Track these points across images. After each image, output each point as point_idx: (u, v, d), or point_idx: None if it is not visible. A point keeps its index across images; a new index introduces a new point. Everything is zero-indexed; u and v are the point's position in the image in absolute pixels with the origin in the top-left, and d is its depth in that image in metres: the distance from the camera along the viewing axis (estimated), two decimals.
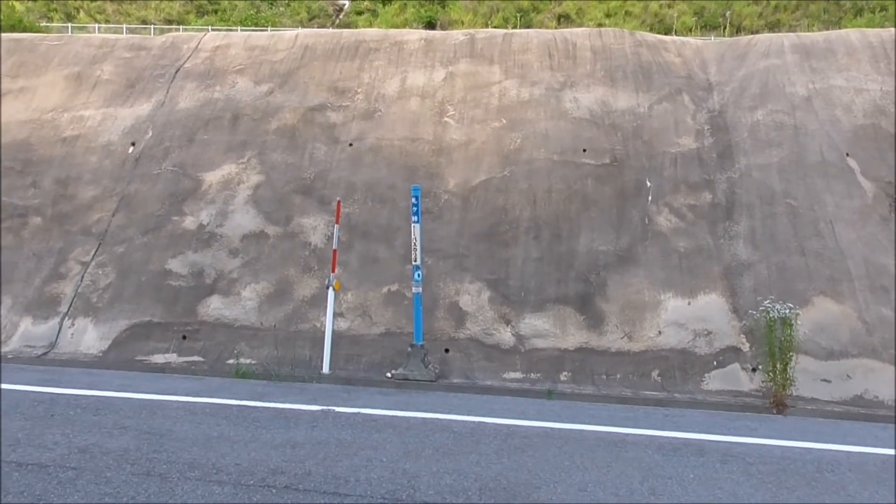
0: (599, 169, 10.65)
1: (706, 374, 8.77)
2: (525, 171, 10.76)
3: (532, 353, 9.17)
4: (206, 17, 27.98)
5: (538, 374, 8.94)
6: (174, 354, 9.49)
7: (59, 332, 9.85)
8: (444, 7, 26.35)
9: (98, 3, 29.39)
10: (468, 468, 4.79)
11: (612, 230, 10.06)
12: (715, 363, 8.84)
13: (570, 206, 10.37)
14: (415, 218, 8.94)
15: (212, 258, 10.39)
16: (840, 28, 12.46)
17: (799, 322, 8.50)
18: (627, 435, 6.06)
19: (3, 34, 14.41)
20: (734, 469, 5.07)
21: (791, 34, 12.68)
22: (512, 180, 10.70)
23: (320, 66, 12.65)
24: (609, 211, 10.24)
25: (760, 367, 8.61)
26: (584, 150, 10.87)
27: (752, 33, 13.34)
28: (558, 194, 10.48)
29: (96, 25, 26.08)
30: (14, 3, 25.15)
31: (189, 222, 10.77)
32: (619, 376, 8.85)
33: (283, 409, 6.61)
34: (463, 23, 23.93)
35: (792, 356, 8.24)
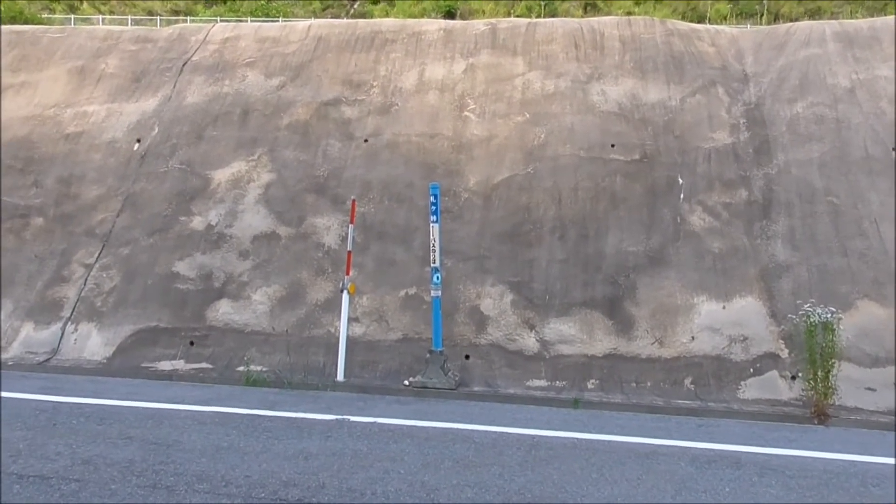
0: (629, 165, 10.62)
1: (742, 382, 8.71)
2: (550, 168, 10.74)
3: (557, 359, 9.16)
4: (214, 7, 28.16)
5: (564, 382, 8.93)
6: (182, 361, 9.56)
7: (61, 337, 9.95)
8: None
9: None
10: (490, 481, 4.79)
11: (642, 230, 10.02)
12: (752, 370, 8.78)
13: (598, 204, 10.35)
14: (433, 217, 8.95)
15: (221, 260, 10.46)
16: (885, 14, 12.34)
17: (841, 327, 8.41)
18: (659, 446, 6.04)
19: (3, 26, 14.59)
20: (772, 483, 5.03)
21: (833, 21, 12.58)
22: (536, 177, 10.69)
23: (334, 59, 12.70)
24: (639, 210, 10.21)
25: (800, 374, 8.54)
26: (613, 146, 10.84)
27: (792, 21, 13.25)
28: (585, 192, 10.46)
29: (100, 17, 26.33)
30: None
31: (197, 223, 10.85)
32: (649, 384, 8.81)
33: (295, 418, 6.64)
34: (484, 12, 23.93)
35: (834, 363, 8.16)
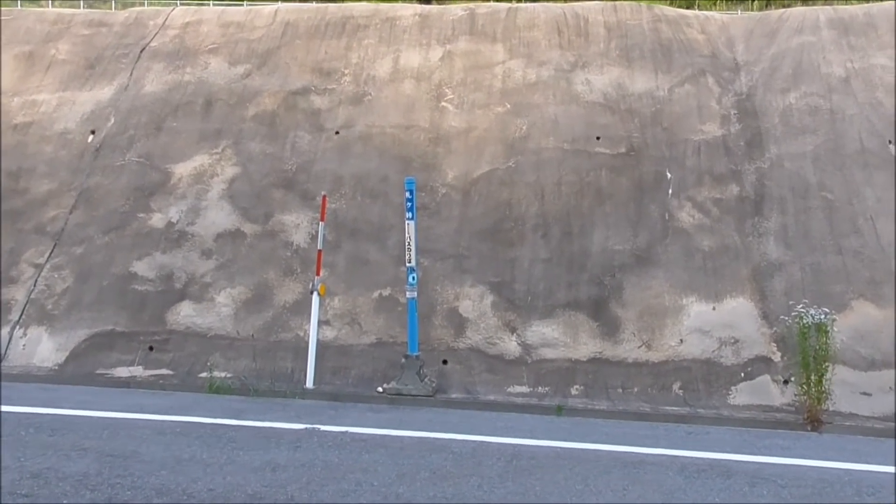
0: (615, 159, 10.68)
1: (733, 387, 8.79)
2: (532, 162, 10.78)
3: (540, 364, 9.20)
4: None
5: (547, 388, 8.96)
6: (140, 367, 9.50)
7: (9, 342, 9.85)
8: None
9: None
10: (469, 492, 4.80)
11: (628, 227, 10.08)
12: (742, 375, 8.87)
13: (583, 200, 10.40)
14: (409, 214, 8.96)
15: (182, 260, 10.40)
16: (882, 0, 12.49)
17: (836, 329, 8.52)
18: (646, 455, 6.08)
19: None
20: (764, 493, 5.08)
21: (827, 7, 12.70)
22: (517, 172, 10.72)
23: (303, 45, 12.66)
24: (625, 206, 10.27)
25: (793, 378, 8.63)
26: (598, 138, 10.89)
27: (784, 6, 13.36)
28: (569, 187, 10.51)
29: None
30: None
31: (156, 220, 10.78)
32: (636, 390, 8.87)
33: (262, 427, 6.62)
34: None
35: (828, 367, 8.25)
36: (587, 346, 9.30)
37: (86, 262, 10.49)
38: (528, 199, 10.48)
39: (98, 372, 9.41)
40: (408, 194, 9.00)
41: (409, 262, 8.92)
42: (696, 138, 10.80)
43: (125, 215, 10.88)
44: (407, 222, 8.97)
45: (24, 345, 9.80)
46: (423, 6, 13.75)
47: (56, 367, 9.52)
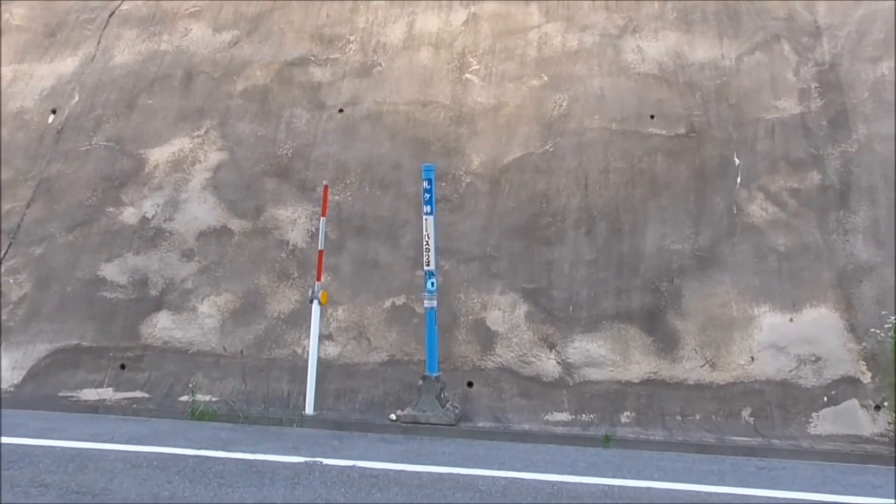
0: (672, 141, 10.67)
1: (814, 414, 8.76)
2: (573, 145, 10.79)
3: (583, 386, 9.21)
4: None
5: (591, 415, 8.98)
6: (110, 389, 9.59)
7: None
8: None
9: None
10: None
11: (689, 223, 10.06)
12: (825, 399, 8.84)
13: (634, 190, 10.40)
14: (427, 208, 8.99)
15: (159, 262, 10.50)
16: None
17: None
18: (710, 494, 6.08)
19: None
20: None
21: None
22: (556, 157, 10.74)
23: (300, 8, 12.72)
24: (685, 197, 10.25)
25: (886, 403, 8.59)
26: (652, 117, 10.88)
27: None
28: (618, 175, 10.51)
29: None
30: None
31: (129, 215, 10.88)
32: (698, 417, 8.86)
33: (254, 461, 6.67)
34: None
35: None
36: (640, 365, 9.30)
37: (46, 265, 10.60)
38: (568, 190, 10.50)
39: (61, 394, 9.51)
40: (425, 184, 9.03)
41: (428, 265, 8.95)
42: (768, 117, 10.76)
43: (92, 209, 10.99)
44: (424, 217, 9.00)
45: None
46: None
47: (11, 389, 9.63)
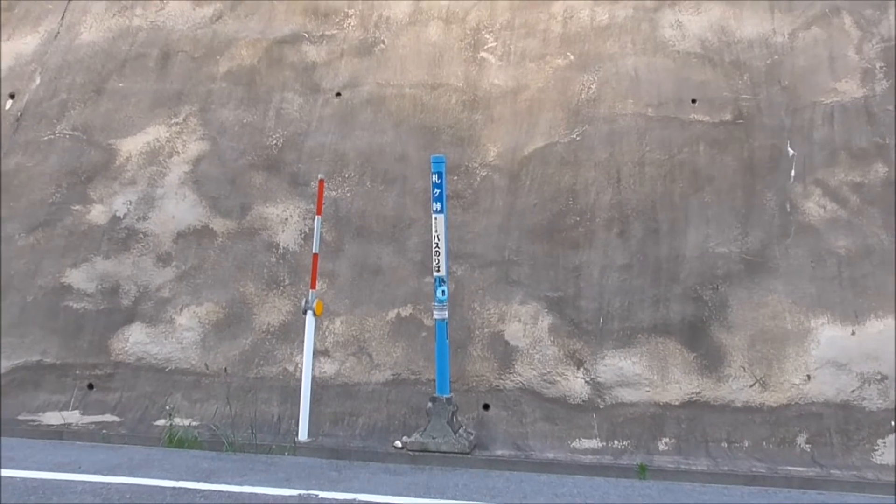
0: (716, 129, 10.66)
1: (880, 441, 8.76)
2: (604, 134, 10.80)
3: (616, 409, 9.22)
4: None
5: (625, 442, 8.99)
6: (76, 412, 9.63)
7: None
8: None
9: None
10: None
11: (736, 222, 10.06)
12: (893, 423, 8.83)
13: (673, 185, 10.40)
14: (437, 206, 9.02)
15: (132, 268, 10.54)
16: None
17: None
18: None
19: None
20: None
21: None
22: (584, 147, 10.75)
23: None
24: (731, 193, 10.25)
25: None
26: (694, 102, 10.88)
27: None
28: (654, 168, 10.52)
29: None
30: None
31: (97, 214, 10.93)
32: (747, 444, 8.86)
33: (240, 493, 6.70)
34: None
35: None
36: (680, 384, 9.31)
37: (3, 271, 10.64)
38: (598, 185, 10.51)
39: (20, 418, 9.55)
40: (435, 178, 9.07)
41: (438, 271, 8.98)
42: (827, 101, 10.76)
43: (55, 208, 11.05)
44: (434, 216, 9.03)
45: None
46: None
47: None
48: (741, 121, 10.70)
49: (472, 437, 8.85)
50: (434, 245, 9.01)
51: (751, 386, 9.21)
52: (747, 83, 10.96)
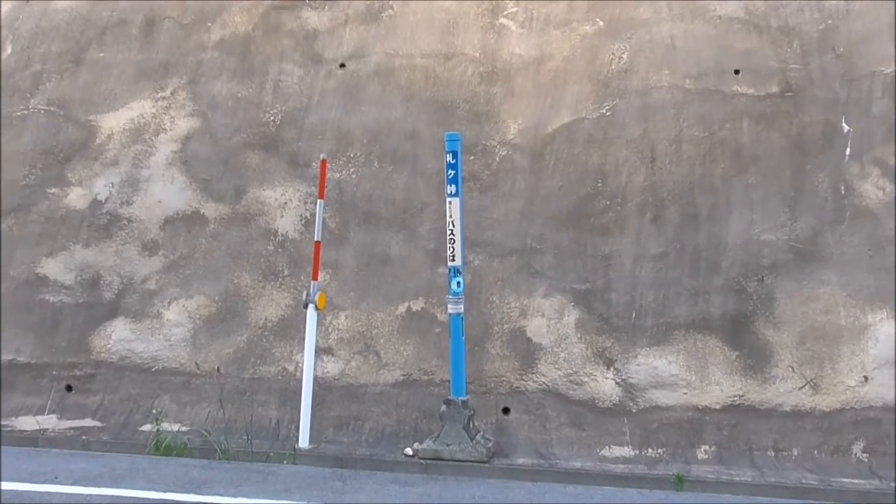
0: (762, 103, 10.61)
1: None
2: (637, 109, 10.75)
3: (650, 413, 9.20)
4: None
5: (660, 450, 8.96)
6: (53, 416, 9.65)
7: None
8: None
9: None
10: None
11: (783, 207, 10.01)
12: None
13: (714, 166, 10.35)
14: (451, 188, 9.00)
15: (114, 257, 10.55)
16: None
17: None
18: None
19: None
20: None
21: None
22: (614, 124, 10.71)
23: None
24: (779, 174, 10.20)
25: None
26: (737, 72, 10.83)
27: None
28: (693, 147, 10.47)
29: None
30: None
31: (76, 198, 10.94)
32: (796, 452, 8.83)
33: None
34: None
35: None
36: (721, 386, 9.28)
37: None
38: (630, 165, 10.48)
39: None
40: (449, 158, 9.04)
41: (453, 261, 8.96)
42: (887, 70, 10.69)
43: (30, 191, 11.06)
44: (448, 200, 9.01)
45: None
46: None
47: None
48: (790, 93, 10.65)
49: (490, 444, 8.83)
50: (448, 232, 8.99)
51: (800, 388, 9.17)
52: (797, 51, 10.89)
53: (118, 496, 6.81)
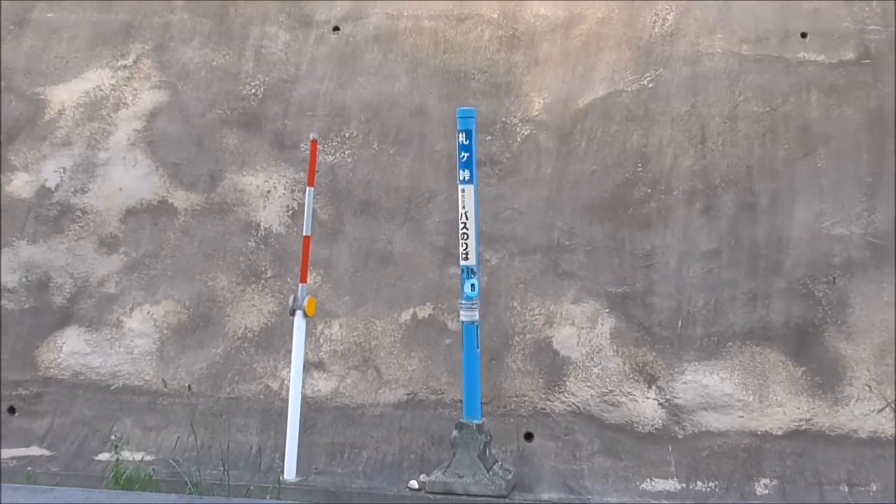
0: (834, 72, 10.59)
1: None
2: (684, 79, 10.74)
3: (699, 440, 9.17)
4: None
5: (712, 483, 8.93)
6: None
7: None
8: None
9: None
10: None
11: (859, 195, 9.98)
12: None
13: (775, 147, 10.32)
14: (465, 174, 8.95)
15: (66, 255, 10.56)
16: None
17: None
18: None
19: None
20: None
21: None
22: (658, 97, 10.69)
23: None
24: (853, 156, 10.17)
25: None
26: (804, 36, 10.80)
27: None
28: (751, 124, 10.44)
29: None
30: None
31: (20, 185, 10.96)
32: (874, 487, 8.79)
33: None
34: None
35: None
36: (784, 408, 9.23)
37: None
38: (676, 146, 10.45)
39: None
40: (462, 138, 8.98)
41: (466, 260, 8.92)
42: None
43: None
44: (461, 188, 8.97)
45: None
46: None
47: None
48: (868, 60, 10.62)
49: (510, 476, 8.81)
50: (461, 225, 8.93)
51: (880, 411, 9.13)
52: (876, 10, 10.87)
53: None
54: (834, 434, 9.07)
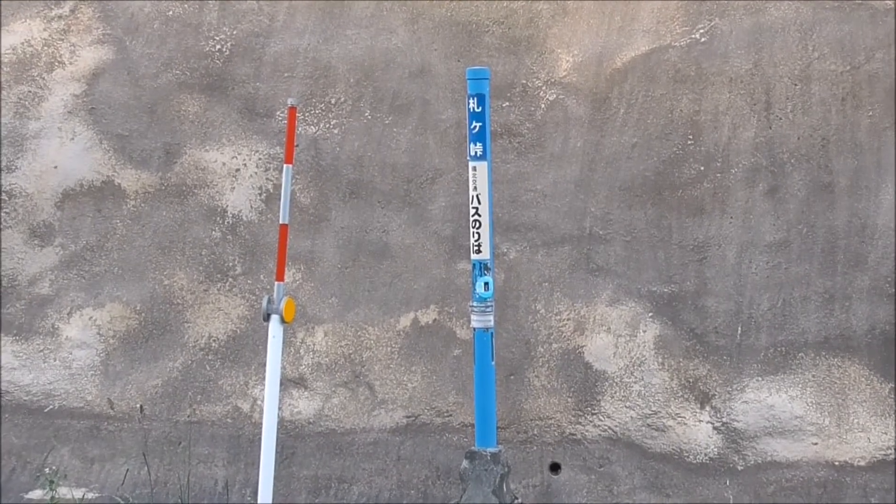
0: None
1: None
2: (744, 32, 10.81)
3: (763, 472, 9.26)
4: None
5: None
6: None
7: None
8: None
9: None
10: None
11: None
12: None
13: (858, 114, 10.38)
14: (477, 148, 9.01)
15: None
16: None
17: None
18: None
19: None
20: None
21: None
22: (713, 54, 10.77)
23: None
24: None
25: None
26: None
27: None
28: (827, 86, 10.51)
29: None
30: None
31: None
32: None
33: None
34: None
35: None
36: (868, 434, 9.33)
37: None
38: (735, 114, 10.53)
39: None
40: (473, 105, 9.01)
41: (478, 253, 8.94)
42: None
43: None
44: (472, 165, 8.99)
45: None
46: None
47: None
48: None
49: None
50: (472, 211, 8.92)
51: None
52: None
53: None
54: None
